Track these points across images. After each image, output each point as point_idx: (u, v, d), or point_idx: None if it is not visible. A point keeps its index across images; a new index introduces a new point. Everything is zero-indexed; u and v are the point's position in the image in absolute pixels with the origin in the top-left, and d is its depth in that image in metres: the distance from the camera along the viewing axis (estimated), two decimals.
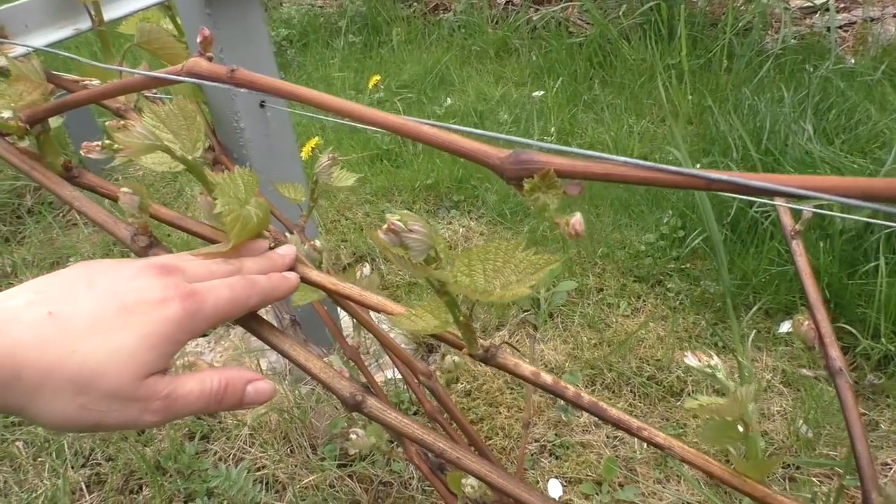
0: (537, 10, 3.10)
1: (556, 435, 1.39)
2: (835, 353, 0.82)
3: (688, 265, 1.76)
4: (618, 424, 0.64)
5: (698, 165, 1.97)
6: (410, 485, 1.33)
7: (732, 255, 1.67)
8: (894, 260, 1.53)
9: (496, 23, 3.22)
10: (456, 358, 0.90)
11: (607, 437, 1.39)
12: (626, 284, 1.73)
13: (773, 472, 1.29)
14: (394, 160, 2.29)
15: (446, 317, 0.51)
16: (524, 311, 1.68)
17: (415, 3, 3.51)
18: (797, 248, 0.88)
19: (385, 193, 2.14)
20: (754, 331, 1.57)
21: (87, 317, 0.39)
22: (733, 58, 2.47)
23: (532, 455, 1.36)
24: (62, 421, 0.38)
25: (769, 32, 2.64)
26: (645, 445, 1.37)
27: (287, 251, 0.55)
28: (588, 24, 2.93)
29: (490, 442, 1.38)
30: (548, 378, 0.57)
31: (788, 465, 1.31)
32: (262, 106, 1.26)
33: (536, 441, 1.38)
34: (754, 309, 1.58)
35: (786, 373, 1.48)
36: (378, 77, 2.51)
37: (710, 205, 1.53)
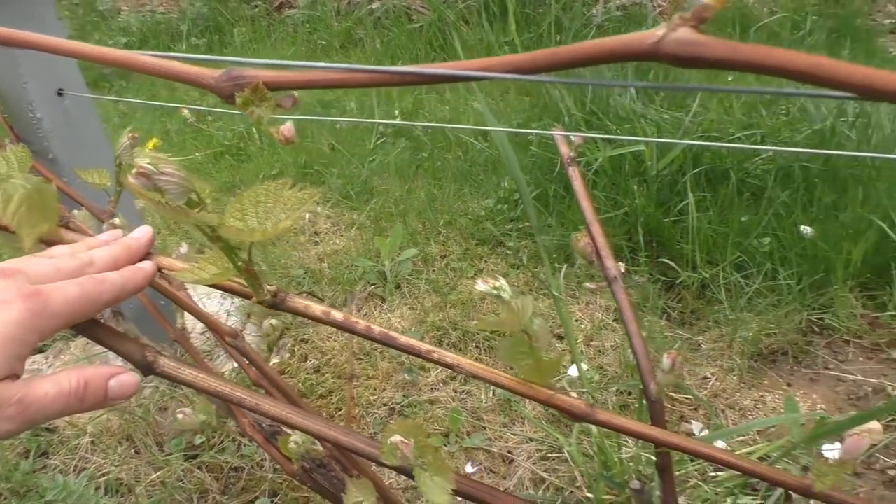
0: None
1: (403, 396, 1.42)
2: (610, 263, 0.89)
3: (525, 224, 1.84)
4: (408, 350, 0.67)
5: (533, 125, 2.06)
6: (262, 465, 1.33)
7: (562, 208, 1.76)
8: (702, 197, 1.65)
9: (340, 16, 3.24)
10: (273, 321, 0.91)
11: (455, 392, 1.44)
12: (468, 248, 1.79)
13: (606, 398, 1.37)
14: (238, 155, 2.26)
15: (227, 265, 0.51)
16: (371, 285, 1.71)
17: (259, 3, 3.48)
18: (573, 173, 0.95)
19: (229, 189, 2.11)
20: (586, 274, 1.66)
21: None
22: (562, 31, 2.59)
23: (381, 419, 1.39)
24: None
25: (595, 5, 2.79)
26: (492, 394, 1.42)
27: (142, 234, 0.52)
28: (427, 9, 2.99)
29: (340, 412, 1.40)
30: (338, 315, 0.59)
31: (621, 392, 1.39)
32: (59, 94, 1.23)
33: (385, 405, 1.41)
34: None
35: (617, 311, 1.57)
36: None
37: (540, 162, 1.61)
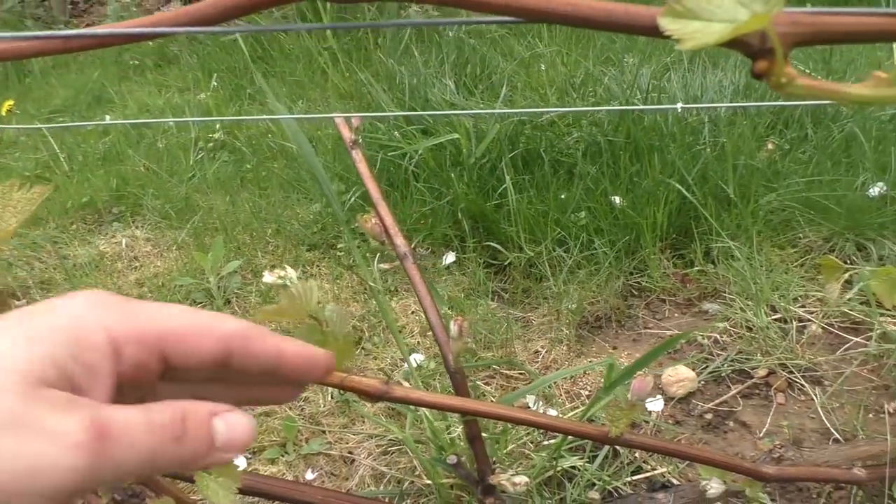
0: None
1: None
2: (399, 241, 0.88)
3: (356, 225, 1.81)
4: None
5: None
6: None
7: (395, 208, 1.75)
8: (520, 179, 1.70)
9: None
10: None
11: (292, 402, 1.39)
12: (299, 255, 1.74)
13: (443, 384, 1.37)
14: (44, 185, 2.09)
15: None
16: (198, 304, 1.62)
17: (61, 26, 3.25)
18: (357, 156, 0.93)
19: (35, 222, 1.94)
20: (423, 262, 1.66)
21: None
22: (379, 33, 2.60)
23: None
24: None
25: (410, 7, 2.82)
26: (330, 397, 1.39)
27: None
28: (244, 21, 2.91)
29: None
30: None
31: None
32: None
33: None
34: (412, 246, 1.67)
35: (452, 299, 1.58)
36: (10, 102, 2.28)
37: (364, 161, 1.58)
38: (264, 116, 1.27)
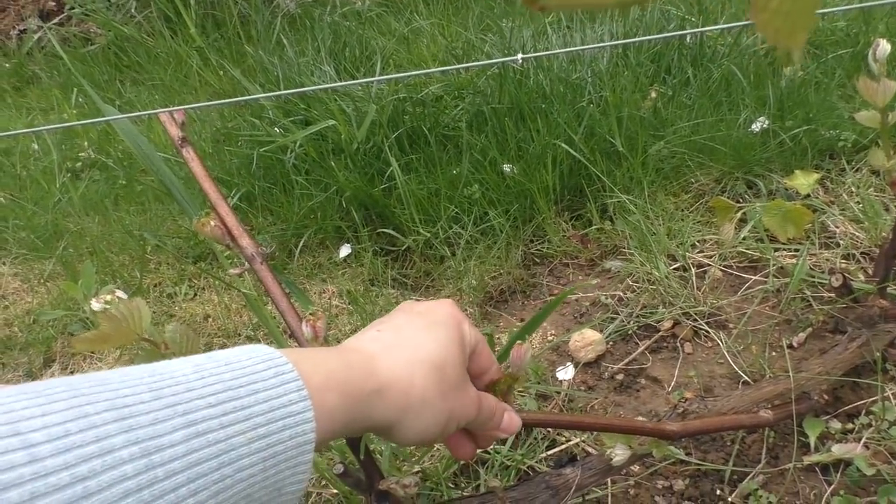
0: (41, 27, 2.81)
1: None
2: (245, 242, 0.79)
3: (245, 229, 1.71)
4: None
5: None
6: None
7: (273, 205, 1.65)
8: (409, 159, 1.63)
9: (8, 55, 2.86)
10: None
11: None
12: (184, 269, 1.63)
13: None
14: None
15: None
16: (74, 336, 1.49)
17: None
18: (188, 154, 0.84)
19: None
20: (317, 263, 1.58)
21: (414, 329, 0.49)
22: (250, 25, 2.48)
23: None
24: (424, 434, 0.47)
25: None
26: None
27: None
28: (102, 29, 2.73)
29: None
30: None
31: None
32: None
33: None
34: (299, 246, 1.59)
35: (351, 293, 1.50)
36: None
37: (244, 161, 1.48)
38: (89, 121, 1.15)
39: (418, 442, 0.48)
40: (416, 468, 1.03)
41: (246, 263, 0.78)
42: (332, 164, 1.56)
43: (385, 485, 0.75)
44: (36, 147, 2.21)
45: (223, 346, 1.42)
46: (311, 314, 0.69)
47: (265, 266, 0.77)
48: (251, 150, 1.70)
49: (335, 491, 1.07)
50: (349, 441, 0.74)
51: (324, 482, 1.10)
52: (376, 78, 1.72)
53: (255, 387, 0.36)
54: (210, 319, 1.48)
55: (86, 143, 2.13)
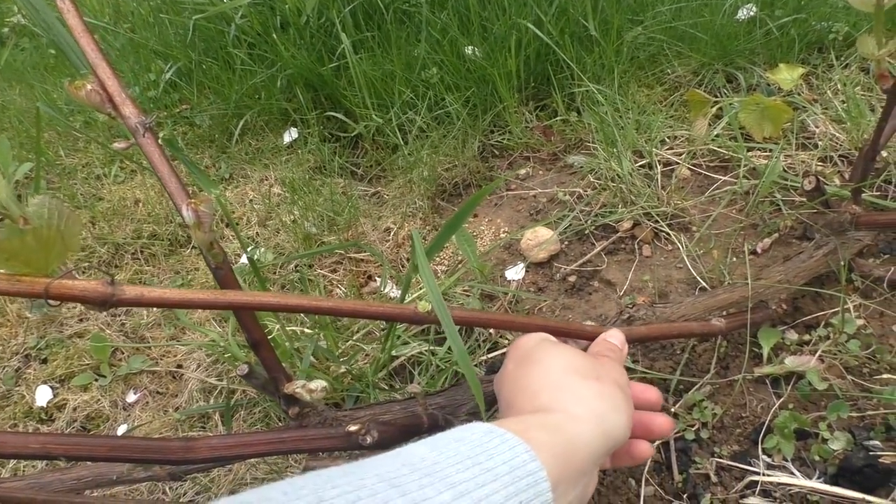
0: None
1: (39, 338, 1.16)
2: (129, 110, 0.67)
3: (183, 108, 1.57)
4: None
5: None
6: None
7: (212, 82, 1.51)
8: (363, 38, 1.49)
9: None
10: None
11: (109, 317, 1.20)
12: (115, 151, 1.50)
13: (285, 277, 1.21)
14: None
15: None
16: None
17: None
18: (63, 5, 0.71)
19: None
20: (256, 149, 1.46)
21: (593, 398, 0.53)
22: None
23: (16, 370, 1.12)
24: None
25: None
26: (153, 309, 1.21)
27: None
28: None
29: None
30: None
31: (296, 267, 1.24)
32: None
33: (17, 353, 1.14)
34: (239, 127, 1.46)
35: (290, 182, 1.39)
36: None
37: (177, 34, 1.33)
38: None
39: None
40: (343, 369, 0.96)
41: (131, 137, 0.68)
42: (276, 38, 1.41)
43: (290, 388, 0.68)
44: None
45: (153, 234, 1.32)
46: (193, 197, 0.58)
47: (150, 138, 0.66)
48: (187, 19, 1.54)
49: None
50: (249, 337, 0.66)
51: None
52: None
53: (491, 453, 0.41)
54: (140, 204, 1.37)
55: (15, 8, 1.94)
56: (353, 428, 0.65)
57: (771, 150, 1.20)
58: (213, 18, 1.51)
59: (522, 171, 1.35)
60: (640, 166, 1.24)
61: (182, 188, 0.65)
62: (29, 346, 1.14)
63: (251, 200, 1.39)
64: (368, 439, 0.65)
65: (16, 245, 0.51)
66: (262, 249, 1.28)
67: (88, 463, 0.84)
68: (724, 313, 0.87)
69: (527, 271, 1.16)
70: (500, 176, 1.36)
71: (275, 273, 1.22)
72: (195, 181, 1.31)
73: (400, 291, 1.14)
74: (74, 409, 1.05)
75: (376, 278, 1.21)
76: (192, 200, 0.58)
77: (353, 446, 0.66)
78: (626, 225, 1.16)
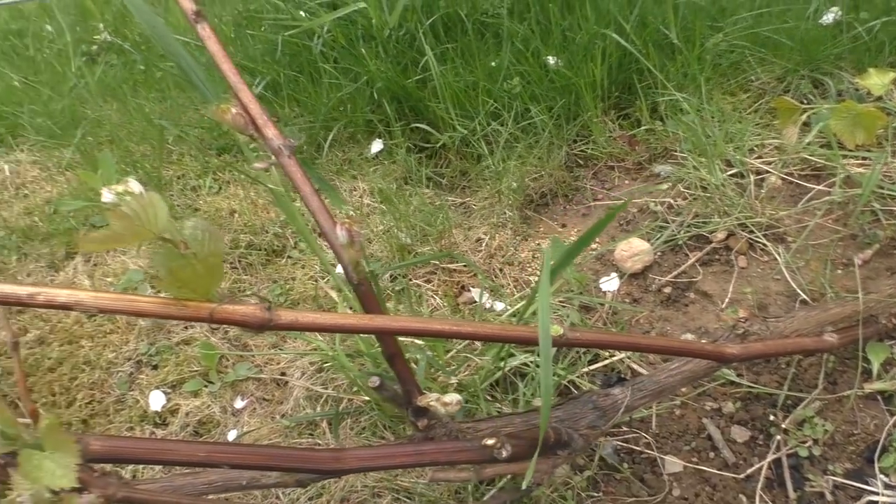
0: None
1: (150, 344, 1.21)
2: (271, 132, 0.71)
3: (273, 120, 1.62)
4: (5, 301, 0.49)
5: None
6: None
7: (300, 95, 1.56)
8: (444, 49, 1.51)
9: None
10: None
11: (212, 325, 1.25)
12: (208, 161, 1.56)
13: (381, 287, 1.24)
14: None
15: None
16: (98, 228, 1.44)
17: None
18: (204, 32, 0.75)
19: None
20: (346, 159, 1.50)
21: None
22: None
23: (129, 376, 1.18)
24: None
25: None
26: None
27: None
28: None
29: (77, 381, 1.17)
30: None
31: (396, 277, 1.27)
32: None
33: (129, 360, 1.20)
34: (329, 139, 1.50)
35: (383, 191, 1.42)
36: None
37: (269, 47, 1.37)
38: None
39: None
40: (453, 379, 0.99)
41: (272, 157, 0.71)
42: (363, 51, 1.44)
43: (424, 401, 0.70)
44: (49, 28, 2.10)
45: (250, 244, 1.36)
46: (347, 217, 0.62)
47: (293, 160, 0.69)
48: (275, 35, 1.59)
49: (367, 398, 1.04)
50: (385, 351, 0.69)
51: (355, 388, 1.07)
52: None
53: None
54: (236, 215, 1.42)
55: (101, 26, 2.02)
56: (489, 442, 0.67)
57: (865, 158, 1.19)
58: (299, 34, 1.55)
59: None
60: (731, 175, 1.24)
61: (323, 207, 0.68)
62: (140, 353, 1.20)
63: (341, 211, 1.43)
64: (504, 453, 0.67)
65: (188, 273, 0.55)
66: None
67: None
68: (834, 328, 0.87)
69: (621, 282, 1.17)
70: (585, 186, 1.38)
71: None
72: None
73: (498, 303, 1.16)
74: (187, 413, 1.10)
75: (470, 288, 1.23)
76: (346, 220, 0.61)
77: (488, 459, 0.68)
78: (720, 235, 1.17)
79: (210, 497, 0.87)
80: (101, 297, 0.53)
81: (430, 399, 0.70)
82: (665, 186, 1.28)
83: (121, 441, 0.57)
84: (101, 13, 2.03)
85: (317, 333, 1.18)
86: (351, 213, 1.32)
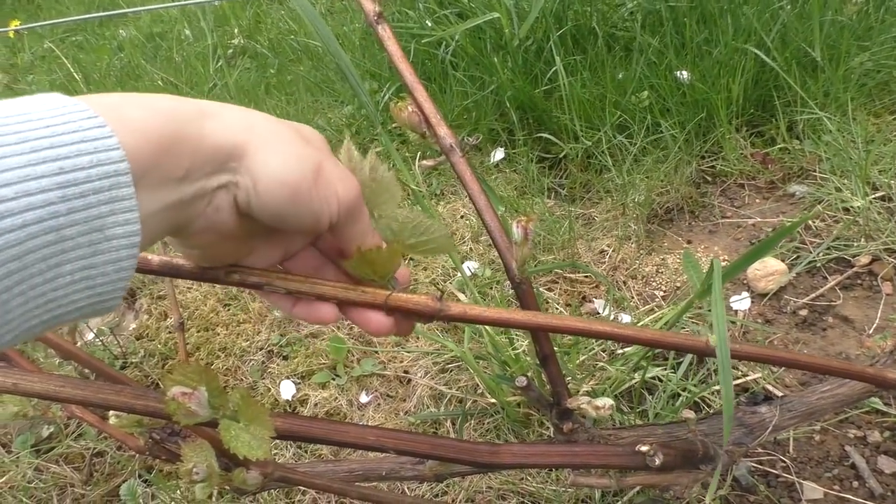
0: None
1: (280, 335, 1.26)
2: (443, 131, 0.73)
3: (394, 125, 1.66)
4: (192, 276, 0.51)
5: None
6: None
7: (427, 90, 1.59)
8: (571, 60, 1.51)
9: None
10: None
11: (341, 322, 1.29)
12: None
13: (499, 293, 1.25)
14: None
15: None
16: None
17: None
18: (384, 32, 0.77)
19: None
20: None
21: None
22: None
23: (260, 365, 1.23)
24: (286, 168, 0.36)
25: None
26: None
27: None
28: None
29: (213, 366, 1.23)
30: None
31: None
32: None
33: (261, 349, 1.25)
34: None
35: (504, 199, 1.44)
36: (17, 21, 2.14)
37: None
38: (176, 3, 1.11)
39: (281, 180, 0.36)
40: (584, 387, 0.98)
41: (441, 155, 0.73)
42: (495, 60, 1.46)
43: (574, 403, 0.70)
44: (188, 33, 2.23)
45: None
46: (523, 215, 0.62)
47: (464, 159, 0.71)
48: (406, 44, 1.63)
49: (492, 400, 1.05)
50: (539, 351, 0.69)
51: (479, 390, 1.08)
52: None
53: (30, 116, 0.28)
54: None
55: (236, 30, 2.13)
56: (643, 448, 0.66)
57: None
58: (429, 43, 1.59)
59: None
60: (876, 198, 1.19)
61: (490, 206, 0.69)
62: (272, 343, 1.24)
63: (462, 216, 1.45)
64: (657, 460, 0.66)
65: (376, 255, 0.57)
66: (477, 264, 1.33)
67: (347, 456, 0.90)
68: None
69: (752, 302, 1.14)
70: (713, 203, 1.34)
71: (491, 288, 1.27)
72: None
73: (623, 315, 1.15)
74: (315, 404, 1.14)
75: (592, 299, 1.22)
76: (523, 219, 0.62)
77: (640, 466, 0.68)
78: (864, 260, 1.12)
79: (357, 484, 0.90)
80: (289, 280, 0.56)
81: (582, 402, 0.70)
82: (816, 210, 1.24)
83: (299, 420, 0.59)
84: (238, 17, 2.14)
85: (435, 331, 1.20)
86: (526, 213, 1.34)
